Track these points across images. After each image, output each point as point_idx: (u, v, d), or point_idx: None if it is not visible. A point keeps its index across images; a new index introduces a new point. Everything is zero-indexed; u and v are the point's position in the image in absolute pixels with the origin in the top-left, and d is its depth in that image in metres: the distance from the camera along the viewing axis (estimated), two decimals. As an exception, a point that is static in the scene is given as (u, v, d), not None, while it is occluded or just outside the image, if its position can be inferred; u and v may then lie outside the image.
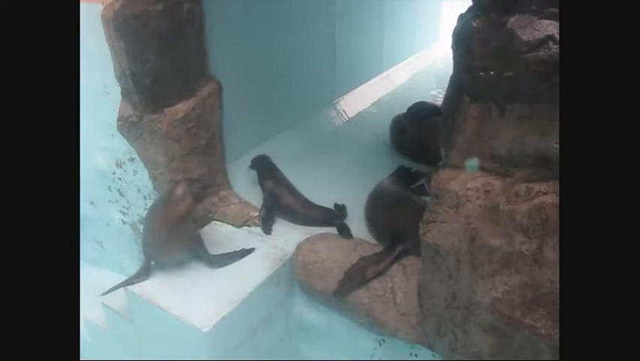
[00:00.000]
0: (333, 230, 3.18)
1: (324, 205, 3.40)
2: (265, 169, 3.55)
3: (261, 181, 3.52)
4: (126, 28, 2.77)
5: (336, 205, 3.40)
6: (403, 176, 3.73)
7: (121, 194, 3.52)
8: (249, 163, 3.61)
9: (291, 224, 3.35)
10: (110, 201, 3.61)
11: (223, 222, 3.38)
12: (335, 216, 3.30)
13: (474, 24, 1.80)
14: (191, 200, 2.77)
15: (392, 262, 2.76)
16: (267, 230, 3.27)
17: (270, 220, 3.33)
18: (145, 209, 3.43)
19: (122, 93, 3.10)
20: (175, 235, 2.81)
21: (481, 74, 1.82)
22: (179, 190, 2.78)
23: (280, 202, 3.39)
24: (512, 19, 1.70)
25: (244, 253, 3.04)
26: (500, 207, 1.95)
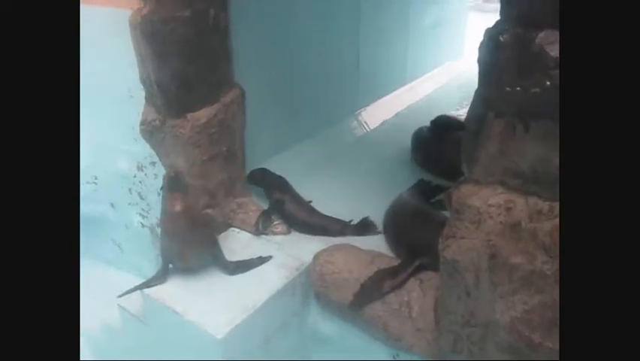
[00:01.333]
0: (348, 241, 3.17)
1: (338, 216, 3.41)
2: (269, 181, 3.58)
3: (268, 192, 3.56)
4: (153, 34, 2.80)
5: (366, 219, 3.40)
6: (423, 190, 3.70)
7: (141, 197, 3.54)
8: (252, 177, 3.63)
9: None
10: (130, 204, 3.63)
11: (241, 229, 3.38)
12: (343, 226, 3.33)
13: (501, 38, 1.78)
14: (178, 196, 2.76)
15: (409, 276, 2.73)
16: (264, 229, 3.30)
17: (270, 221, 3.35)
18: (164, 213, 3.45)
19: (145, 97, 3.13)
20: (189, 238, 2.81)
21: (507, 89, 1.79)
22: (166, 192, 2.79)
23: (286, 210, 3.41)
24: (541, 35, 1.68)
25: (261, 260, 3.04)
26: (522, 225, 1.92)
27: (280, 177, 3.60)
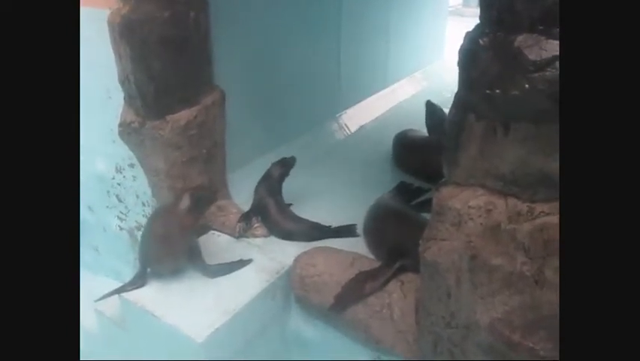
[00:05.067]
0: (330, 244, 3.16)
1: (316, 220, 3.38)
2: (267, 175, 3.49)
3: (259, 183, 3.47)
4: (132, 34, 2.77)
5: (349, 226, 3.37)
6: (404, 192, 3.71)
7: (119, 200, 3.50)
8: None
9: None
10: (107, 207, 3.59)
11: (221, 232, 3.35)
12: (324, 232, 3.30)
13: (481, 42, 1.80)
14: (196, 213, 2.78)
15: (390, 278, 2.73)
16: (244, 232, 3.28)
17: (250, 224, 3.32)
18: (143, 215, 3.41)
19: (124, 99, 3.10)
20: (174, 245, 2.79)
21: (487, 92, 1.81)
22: (185, 202, 2.77)
23: (267, 213, 3.36)
24: (520, 38, 1.69)
25: (241, 263, 3.02)
26: (502, 227, 1.93)
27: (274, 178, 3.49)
